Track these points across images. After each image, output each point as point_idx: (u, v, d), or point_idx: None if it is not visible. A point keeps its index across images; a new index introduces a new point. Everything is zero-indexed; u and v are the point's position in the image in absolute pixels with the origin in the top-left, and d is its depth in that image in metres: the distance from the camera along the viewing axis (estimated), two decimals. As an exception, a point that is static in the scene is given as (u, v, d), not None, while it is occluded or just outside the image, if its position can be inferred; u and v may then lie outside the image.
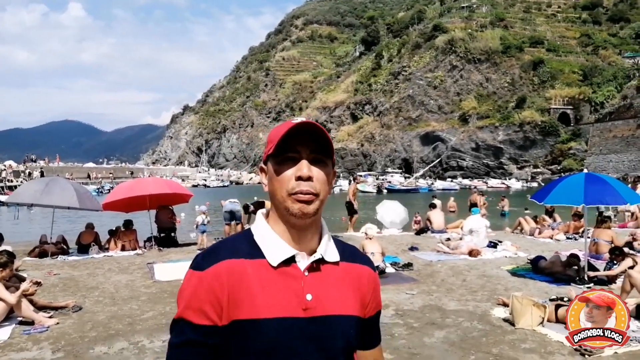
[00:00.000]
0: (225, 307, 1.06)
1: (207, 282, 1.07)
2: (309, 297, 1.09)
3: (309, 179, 1.08)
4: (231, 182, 76.40)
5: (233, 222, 12.54)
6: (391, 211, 15.40)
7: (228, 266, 1.09)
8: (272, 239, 1.13)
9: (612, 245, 8.75)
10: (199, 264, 1.11)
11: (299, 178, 1.08)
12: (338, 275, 1.16)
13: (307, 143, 1.10)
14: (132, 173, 72.30)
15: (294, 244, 1.13)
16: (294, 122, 1.10)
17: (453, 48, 76.75)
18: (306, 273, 1.12)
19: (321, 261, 1.15)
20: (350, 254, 1.23)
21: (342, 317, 1.12)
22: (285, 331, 1.06)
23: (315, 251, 1.15)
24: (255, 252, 1.12)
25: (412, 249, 11.24)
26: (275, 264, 1.10)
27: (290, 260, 1.12)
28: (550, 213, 14.53)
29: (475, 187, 32.59)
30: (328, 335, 1.09)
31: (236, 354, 1.07)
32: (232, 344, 1.07)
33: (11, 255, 6.73)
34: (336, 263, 1.17)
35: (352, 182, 17.62)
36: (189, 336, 1.07)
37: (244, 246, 1.13)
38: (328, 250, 1.17)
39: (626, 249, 9.03)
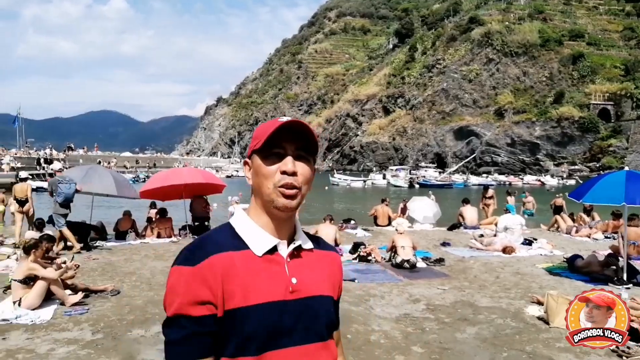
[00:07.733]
0: (220, 298, 1.11)
1: (200, 275, 1.11)
2: (294, 280, 1.18)
3: (294, 174, 1.16)
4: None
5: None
6: (422, 206, 15.27)
7: (218, 260, 1.13)
8: (255, 230, 1.20)
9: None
10: (188, 260, 1.13)
11: (283, 172, 1.16)
12: (315, 260, 1.26)
13: (292, 140, 1.17)
14: (159, 163, 73.05)
15: (275, 234, 1.21)
16: (280, 120, 1.16)
17: (489, 41, 75.18)
18: (288, 259, 1.20)
19: (299, 248, 1.24)
20: (319, 242, 1.34)
21: (322, 297, 1.23)
22: (276, 313, 1.13)
23: (292, 239, 1.24)
24: (239, 244, 1.18)
25: (444, 244, 11.15)
26: (260, 254, 1.17)
27: (273, 249, 1.20)
28: (588, 211, 14.16)
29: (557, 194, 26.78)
30: (313, 314, 1.19)
31: (232, 340, 1.11)
32: (228, 332, 1.11)
33: (51, 239, 6.98)
34: (310, 250, 1.27)
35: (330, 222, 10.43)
36: (192, 329, 1.09)
37: (228, 240, 1.19)
38: (302, 238, 1.26)
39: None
